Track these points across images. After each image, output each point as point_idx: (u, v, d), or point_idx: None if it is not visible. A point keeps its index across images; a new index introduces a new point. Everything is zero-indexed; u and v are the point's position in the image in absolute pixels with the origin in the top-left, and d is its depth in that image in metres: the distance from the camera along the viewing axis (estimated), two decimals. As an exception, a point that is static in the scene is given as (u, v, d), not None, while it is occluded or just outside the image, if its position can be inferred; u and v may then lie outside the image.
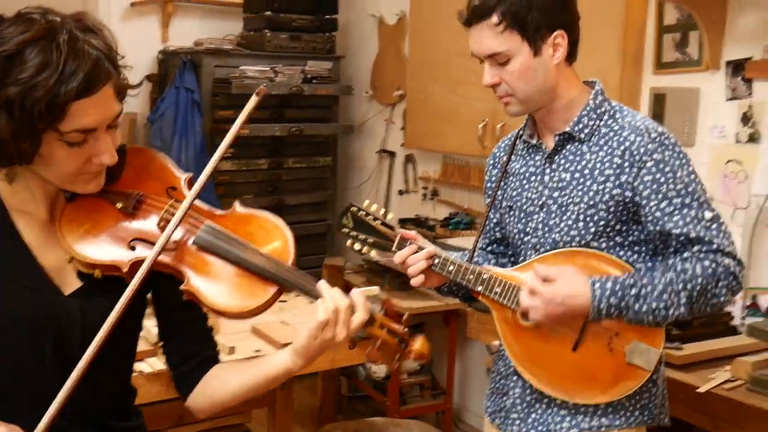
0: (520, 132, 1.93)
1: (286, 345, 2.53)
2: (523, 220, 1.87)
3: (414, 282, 1.83)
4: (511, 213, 1.91)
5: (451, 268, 1.81)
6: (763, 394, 2.18)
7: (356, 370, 4.04)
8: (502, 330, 1.82)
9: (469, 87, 4.02)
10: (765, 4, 2.84)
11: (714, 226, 1.71)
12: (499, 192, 1.95)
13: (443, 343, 4.04)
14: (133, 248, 1.40)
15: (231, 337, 2.60)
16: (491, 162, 2.03)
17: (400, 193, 4.79)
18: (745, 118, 2.91)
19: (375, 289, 2.68)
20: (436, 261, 1.82)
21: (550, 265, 1.74)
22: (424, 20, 4.33)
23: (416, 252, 1.81)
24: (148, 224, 1.42)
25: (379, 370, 3.94)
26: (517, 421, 1.87)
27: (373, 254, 1.92)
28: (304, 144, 4.81)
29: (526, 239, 1.87)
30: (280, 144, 4.69)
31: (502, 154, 1.99)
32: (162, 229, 1.40)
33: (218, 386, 1.51)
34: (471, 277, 1.81)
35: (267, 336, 2.64)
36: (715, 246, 1.69)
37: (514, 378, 1.87)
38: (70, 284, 1.40)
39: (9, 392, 1.36)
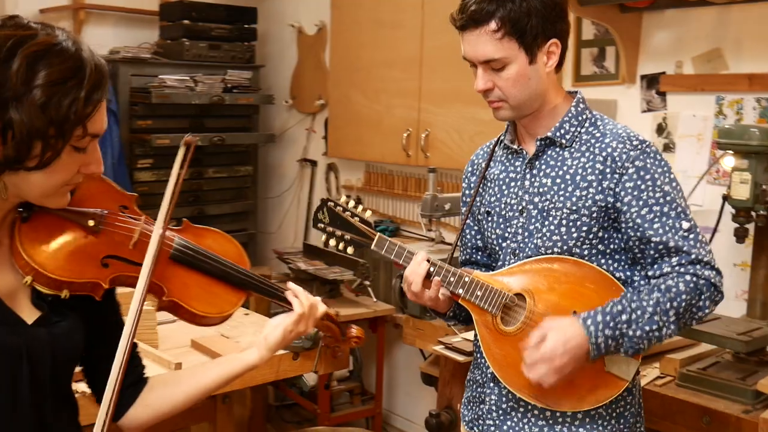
0: (500, 138, 1.93)
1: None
2: (502, 225, 1.86)
3: (427, 300, 1.82)
4: (489, 218, 1.90)
5: (431, 269, 1.79)
6: (691, 389, 2.32)
7: (296, 379, 4.05)
8: (482, 335, 1.80)
9: (391, 96, 4.10)
10: (677, 22, 3.03)
11: (691, 236, 1.72)
12: (477, 198, 1.94)
13: (371, 349, 4.10)
14: (106, 265, 1.40)
15: (173, 352, 2.58)
16: (469, 169, 2.01)
17: (323, 201, 4.81)
18: (660, 129, 3.10)
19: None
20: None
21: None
22: (345, 30, 4.39)
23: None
24: (119, 241, 1.44)
25: (310, 378, 3.96)
26: (492, 428, 1.85)
27: (350, 251, 1.88)
28: (225, 154, 4.78)
29: (504, 245, 1.86)
30: (200, 153, 4.64)
31: (480, 161, 1.99)
32: (137, 246, 1.43)
33: (170, 395, 1.55)
34: (452, 279, 1.79)
35: (209, 350, 2.61)
36: (693, 256, 1.70)
37: (491, 385, 1.86)
38: (27, 311, 1.37)
39: None
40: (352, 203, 1.88)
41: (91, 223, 1.41)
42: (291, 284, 1.63)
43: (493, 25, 1.71)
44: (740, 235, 2.42)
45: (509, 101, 1.77)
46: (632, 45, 3.13)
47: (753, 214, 2.40)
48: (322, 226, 1.87)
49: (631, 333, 1.67)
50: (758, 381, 2.27)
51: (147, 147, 4.39)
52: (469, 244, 2.02)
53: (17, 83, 1.21)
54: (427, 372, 3.14)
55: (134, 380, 1.54)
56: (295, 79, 4.95)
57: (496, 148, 1.94)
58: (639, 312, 1.67)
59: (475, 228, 1.99)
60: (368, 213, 1.87)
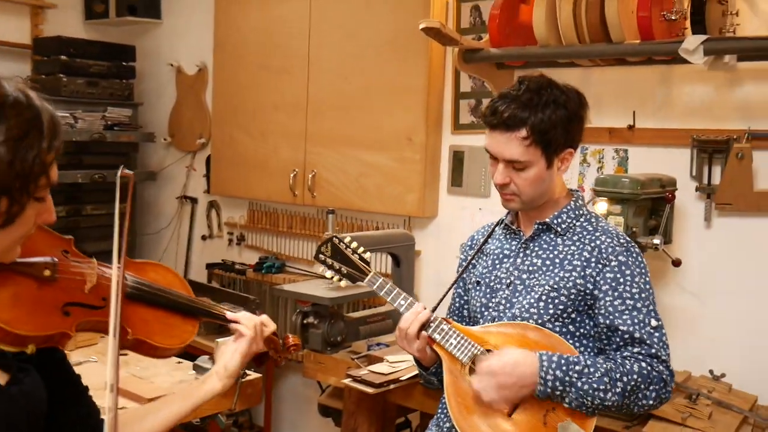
0: (502, 219, 2.10)
1: (152, 400, 2.61)
2: (488, 295, 2.00)
3: (416, 349, 1.92)
4: (478, 288, 2.03)
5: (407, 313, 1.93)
6: None
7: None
8: (448, 382, 1.89)
9: (277, 138, 4.25)
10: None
11: (657, 334, 1.85)
12: (471, 269, 2.08)
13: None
14: (67, 314, 1.41)
15: (91, 393, 2.59)
16: (468, 243, 2.18)
17: (204, 238, 4.87)
18: (533, 175, 3.44)
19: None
20: (404, 302, 1.94)
21: (499, 343, 1.87)
22: (229, 72, 4.49)
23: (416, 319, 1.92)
24: (75, 288, 1.44)
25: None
26: None
27: (343, 284, 1.99)
28: (102, 191, 4.74)
29: (485, 313, 1.99)
30: (78, 190, 4.59)
31: (479, 237, 2.16)
32: (91, 291, 1.45)
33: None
34: (432, 324, 1.91)
35: (126, 391, 2.65)
36: (653, 351, 1.83)
37: None
38: None
39: None
40: (355, 243, 2.02)
41: (47, 273, 1.40)
42: (232, 314, 1.70)
43: (523, 132, 1.88)
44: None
45: (522, 197, 1.96)
46: (508, 99, 3.45)
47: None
48: (323, 257, 2.01)
49: (579, 384, 1.78)
50: (632, 398, 2.61)
51: (24, 185, 4.28)
52: (456, 312, 2.18)
53: None
54: (325, 404, 3.28)
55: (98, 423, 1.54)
56: (173, 118, 4.98)
57: (497, 228, 2.11)
58: (592, 369, 1.80)
59: (465, 298, 2.14)
60: (368, 254, 2.01)
